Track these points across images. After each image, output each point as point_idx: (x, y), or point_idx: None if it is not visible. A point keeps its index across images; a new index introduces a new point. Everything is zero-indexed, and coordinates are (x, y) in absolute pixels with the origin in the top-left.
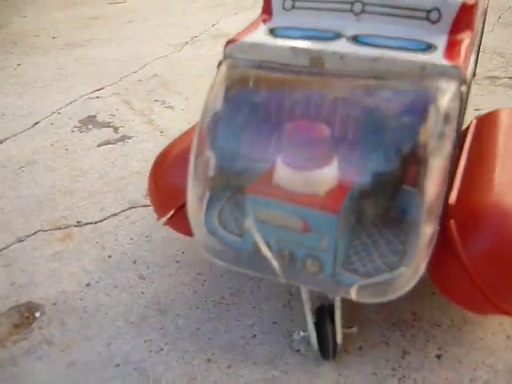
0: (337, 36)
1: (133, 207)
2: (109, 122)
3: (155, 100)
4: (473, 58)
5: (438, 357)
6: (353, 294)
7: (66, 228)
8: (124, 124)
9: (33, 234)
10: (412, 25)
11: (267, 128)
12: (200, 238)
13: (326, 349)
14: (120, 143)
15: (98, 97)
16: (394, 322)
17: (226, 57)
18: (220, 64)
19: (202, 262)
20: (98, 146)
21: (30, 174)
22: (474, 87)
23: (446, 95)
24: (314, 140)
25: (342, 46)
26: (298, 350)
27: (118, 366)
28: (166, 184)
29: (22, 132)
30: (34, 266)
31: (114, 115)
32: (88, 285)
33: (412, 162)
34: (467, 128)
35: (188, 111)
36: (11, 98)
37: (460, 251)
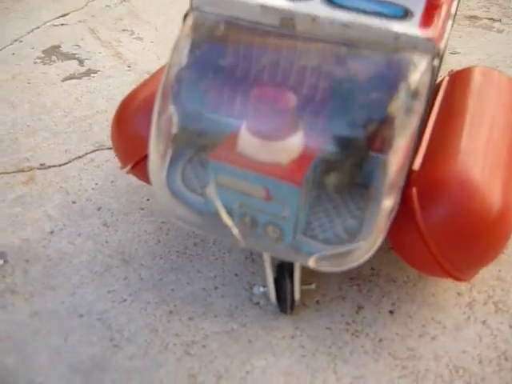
0: None
1: (98, 149)
2: (74, 54)
3: (123, 30)
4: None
5: (391, 312)
6: (311, 263)
7: (29, 171)
8: (90, 56)
9: None
10: None
11: (233, 89)
12: (161, 200)
13: (285, 304)
14: (85, 78)
15: (62, 24)
16: (352, 277)
17: (192, 9)
18: (186, 16)
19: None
20: (63, 80)
21: None
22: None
23: (417, 70)
24: (279, 110)
25: (314, 7)
26: (258, 303)
27: (81, 316)
28: (129, 133)
29: None
30: None
31: (79, 46)
32: (52, 232)
33: (378, 135)
34: (439, 84)
35: (157, 44)
36: None
37: (419, 220)
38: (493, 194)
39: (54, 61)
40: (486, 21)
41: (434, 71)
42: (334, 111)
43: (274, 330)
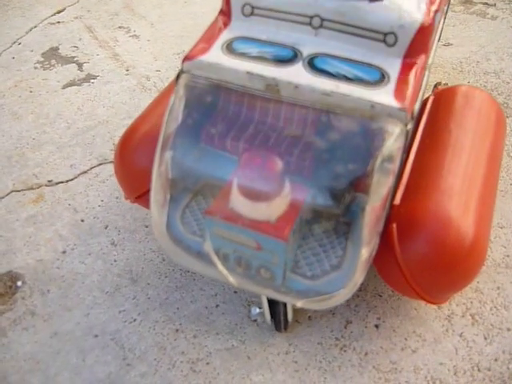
0: (294, 56)
1: (101, 163)
2: (73, 57)
3: (119, 27)
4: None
5: (377, 326)
6: (299, 304)
7: (38, 188)
8: (88, 59)
9: (7, 195)
10: (368, 46)
11: (222, 147)
12: (163, 244)
13: (279, 324)
14: (85, 84)
15: (59, 22)
16: None
17: (183, 72)
18: (178, 77)
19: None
20: (64, 87)
21: None
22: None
23: (391, 137)
24: (267, 175)
25: (297, 74)
26: (255, 321)
27: (96, 336)
28: (132, 168)
29: None
30: (12, 232)
31: (77, 47)
32: (64, 252)
33: (355, 191)
34: (425, 102)
35: (154, 42)
36: None
37: (397, 253)
38: (466, 229)
39: (54, 65)
40: (481, 6)
41: (408, 134)
42: (315, 170)
43: (270, 346)
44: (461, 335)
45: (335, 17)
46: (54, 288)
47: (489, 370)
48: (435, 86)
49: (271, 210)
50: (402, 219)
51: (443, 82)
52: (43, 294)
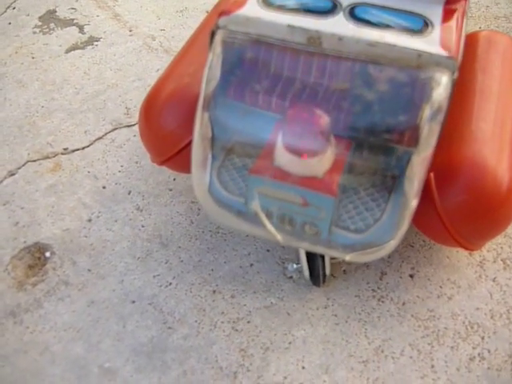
0: (333, 6)
1: (116, 128)
2: (72, 19)
3: None
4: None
5: (411, 276)
6: (348, 258)
7: (54, 157)
8: (89, 21)
9: (23, 166)
10: None
11: (264, 105)
12: (205, 206)
13: (317, 279)
14: (89, 47)
15: None
16: None
17: (219, 27)
18: (213, 34)
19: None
20: (67, 51)
21: (1, 92)
22: None
23: (439, 86)
24: (314, 130)
25: (339, 25)
26: (291, 277)
27: (133, 302)
28: (159, 130)
29: None
30: (33, 203)
31: (75, 9)
32: (90, 220)
33: (403, 144)
34: None
35: (155, 0)
36: None
37: (436, 202)
38: (502, 174)
39: (53, 29)
40: None
41: (454, 84)
42: (361, 123)
43: (309, 301)
44: (494, 280)
45: None
46: (84, 257)
47: None
48: None
49: (319, 165)
50: (439, 168)
51: None
52: (74, 264)
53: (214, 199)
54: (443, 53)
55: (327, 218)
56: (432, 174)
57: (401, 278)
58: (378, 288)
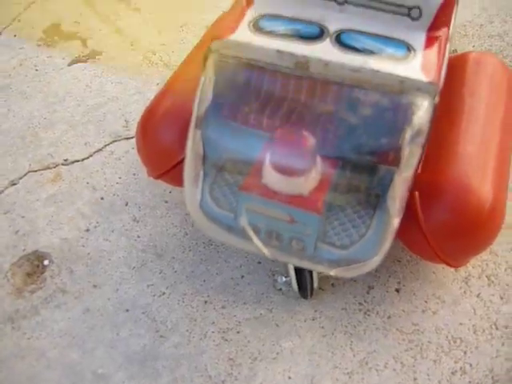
0: (321, 32)
1: (115, 140)
2: (75, 33)
3: (119, 0)
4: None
5: (398, 290)
6: (332, 273)
7: (54, 167)
8: (91, 35)
9: (24, 176)
10: (393, 21)
11: (252, 125)
12: (196, 220)
13: (305, 291)
14: (91, 60)
15: None
16: None
17: (211, 51)
18: (206, 58)
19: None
20: (69, 64)
21: (5, 104)
22: None
23: (420, 110)
24: (301, 151)
25: (326, 51)
26: (280, 289)
27: (127, 310)
28: (156, 145)
29: None
30: (33, 212)
31: (78, 22)
32: (87, 230)
33: (385, 164)
34: None
35: (156, 15)
36: None
37: (420, 220)
38: (486, 194)
39: (57, 42)
40: None
41: (436, 108)
42: (345, 145)
43: (297, 313)
44: (478, 296)
45: None
46: (81, 266)
47: (506, 327)
48: None
49: (304, 184)
50: (424, 187)
51: (452, 49)
52: (71, 272)
53: (205, 214)
54: (424, 78)
55: (313, 234)
56: (417, 193)
57: (387, 292)
58: (365, 301)
